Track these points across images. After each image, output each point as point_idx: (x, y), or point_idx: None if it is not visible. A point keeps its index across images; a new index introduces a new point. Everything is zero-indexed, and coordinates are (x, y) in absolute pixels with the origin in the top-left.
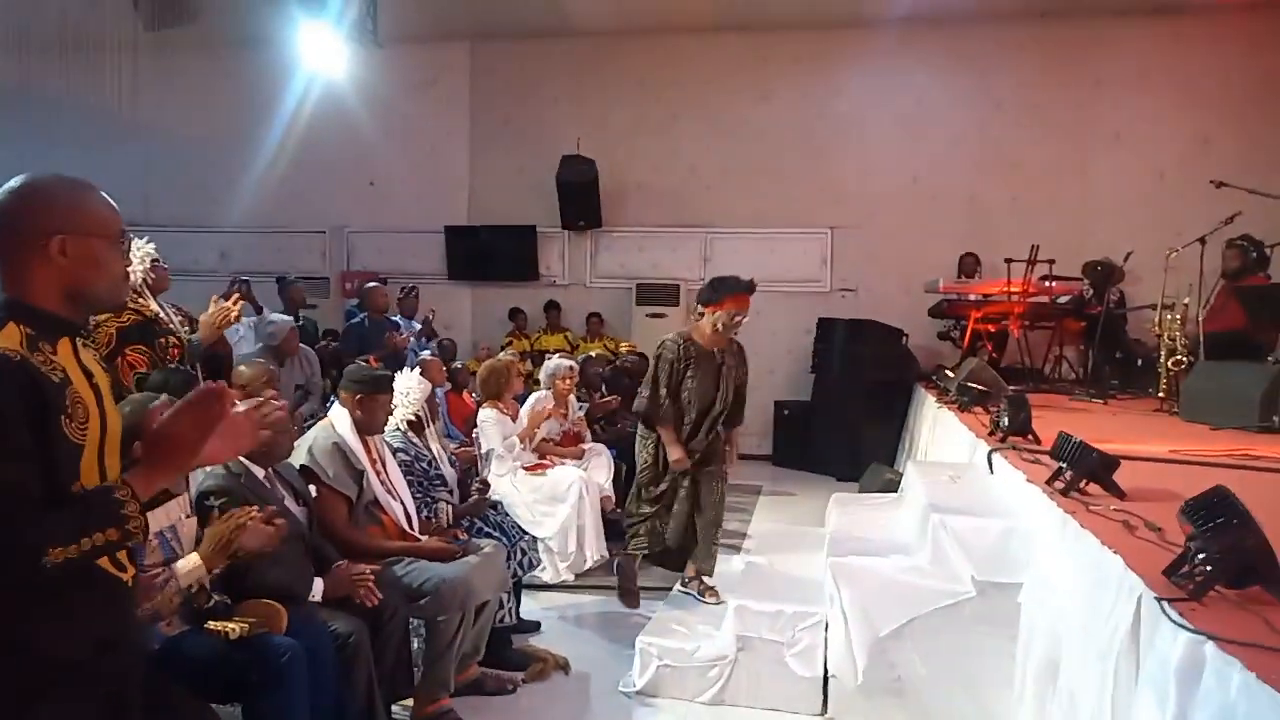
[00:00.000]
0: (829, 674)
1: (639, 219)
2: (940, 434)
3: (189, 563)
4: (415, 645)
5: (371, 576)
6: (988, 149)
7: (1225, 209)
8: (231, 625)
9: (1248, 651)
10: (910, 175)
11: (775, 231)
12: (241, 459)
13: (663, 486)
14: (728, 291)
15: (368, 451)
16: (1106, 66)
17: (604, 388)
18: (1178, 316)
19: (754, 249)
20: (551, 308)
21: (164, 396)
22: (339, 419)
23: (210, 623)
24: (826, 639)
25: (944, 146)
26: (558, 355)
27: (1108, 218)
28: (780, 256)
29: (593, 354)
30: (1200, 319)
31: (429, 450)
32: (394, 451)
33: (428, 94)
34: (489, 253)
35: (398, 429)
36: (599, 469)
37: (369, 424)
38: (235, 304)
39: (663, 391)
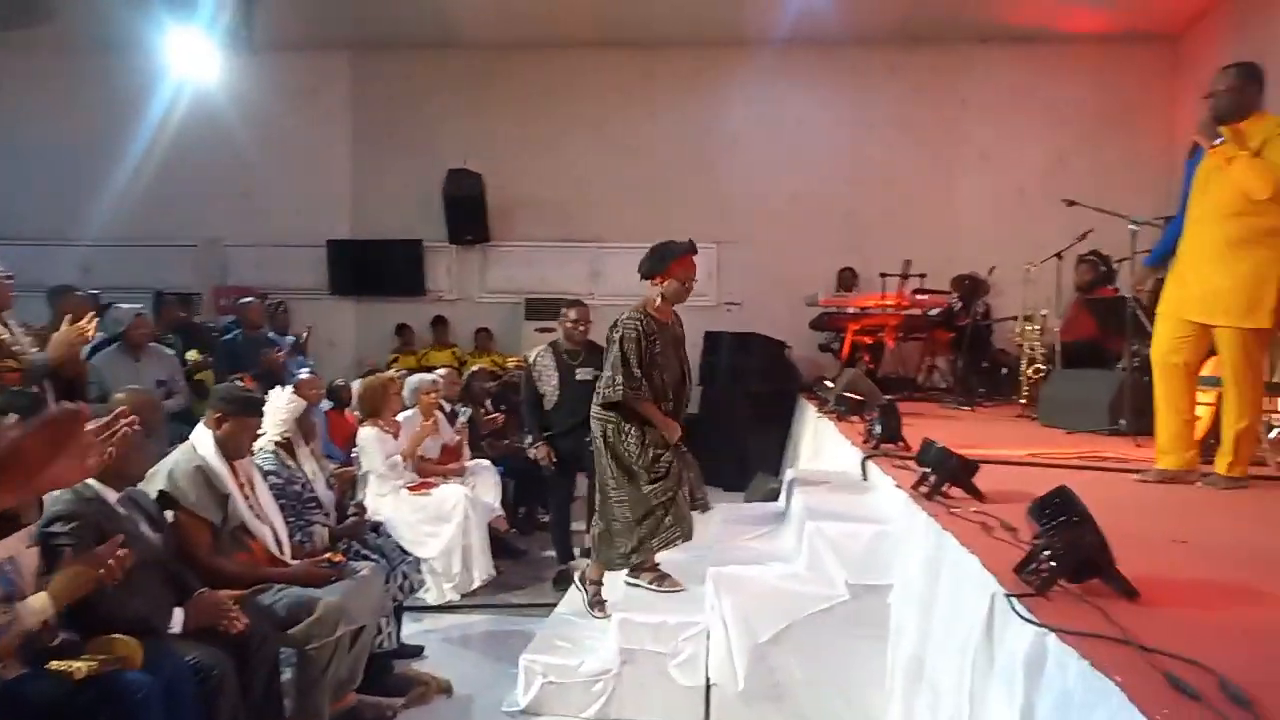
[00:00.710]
0: (710, 682)
1: (527, 233)
2: (820, 443)
3: (37, 602)
4: (286, 675)
5: (235, 605)
6: (863, 167)
7: (1080, 226)
8: (78, 664)
9: (1084, 642)
10: (791, 191)
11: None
12: (92, 482)
13: (663, 465)
14: (672, 258)
15: (234, 474)
16: (972, 89)
17: (489, 403)
18: (1037, 327)
19: None
20: (439, 323)
21: (12, 417)
22: (201, 440)
23: (53, 663)
24: (708, 648)
25: (822, 164)
26: (440, 370)
27: (974, 233)
28: None
29: (478, 368)
30: (1057, 330)
31: (303, 471)
32: (265, 473)
33: (307, 104)
34: (374, 267)
35: (268, 450)
36: (486, 487)
37: (233, 448)
38: (90, 323)
39: (637, 371)
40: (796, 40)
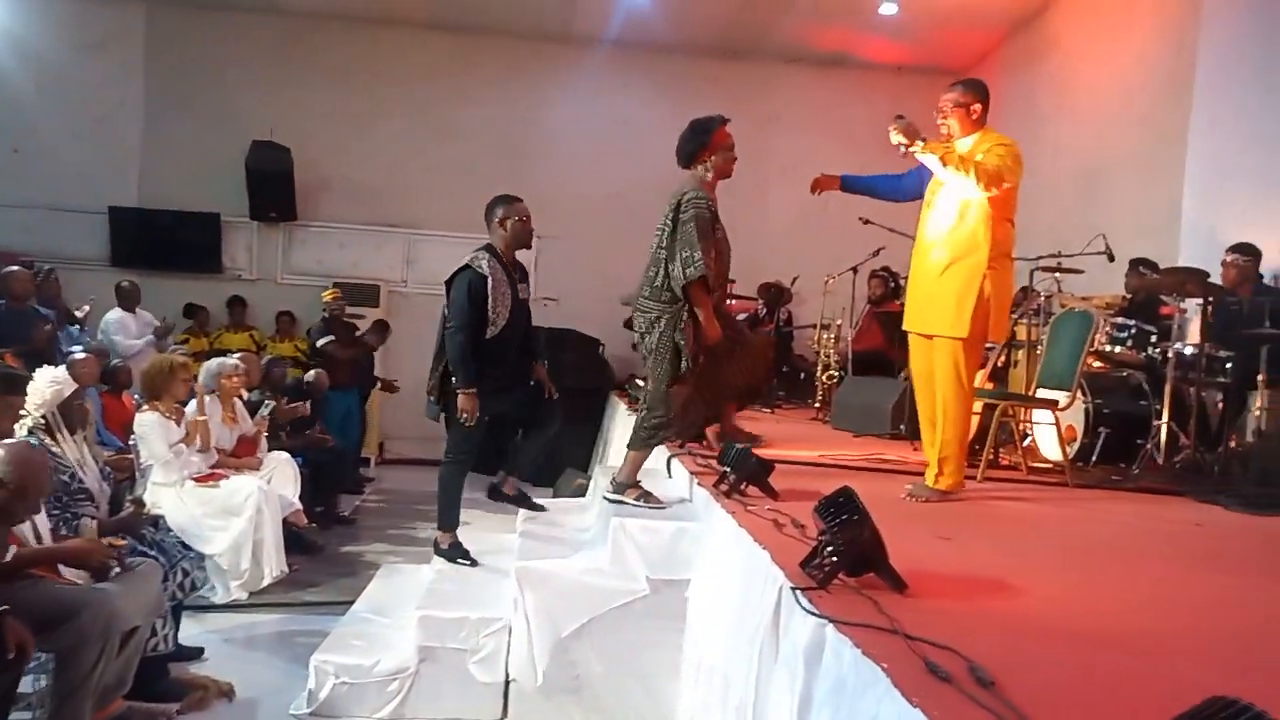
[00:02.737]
0: (510, 678)
1: (338, 214)
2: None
3: None
4: (44, 682)
5: None
6: (679, 173)
7: (875, 242)
8: None
9: (858, 631)
10: (611, 191)
11: (482, 237)
12: None
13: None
14: (713, 129)
15: None
16: (783, 106)
17: (293, 392)
18: (832, 336)
19: (459, 252)
20: (236, 304)
21: None
22: None
23: None
24: (509, 643)
25: (643, 166)
26: (237, 355)
27: (781, 243)
28: None
29: (282, 356)
30: (850, 339)
31: (69, 459)
32: None
33: (95, 56)
34: (164, 240)
35: (31, 434)
36: (284, 480)
37: None
38: None
39: (708, 256)
40: (623, 42)
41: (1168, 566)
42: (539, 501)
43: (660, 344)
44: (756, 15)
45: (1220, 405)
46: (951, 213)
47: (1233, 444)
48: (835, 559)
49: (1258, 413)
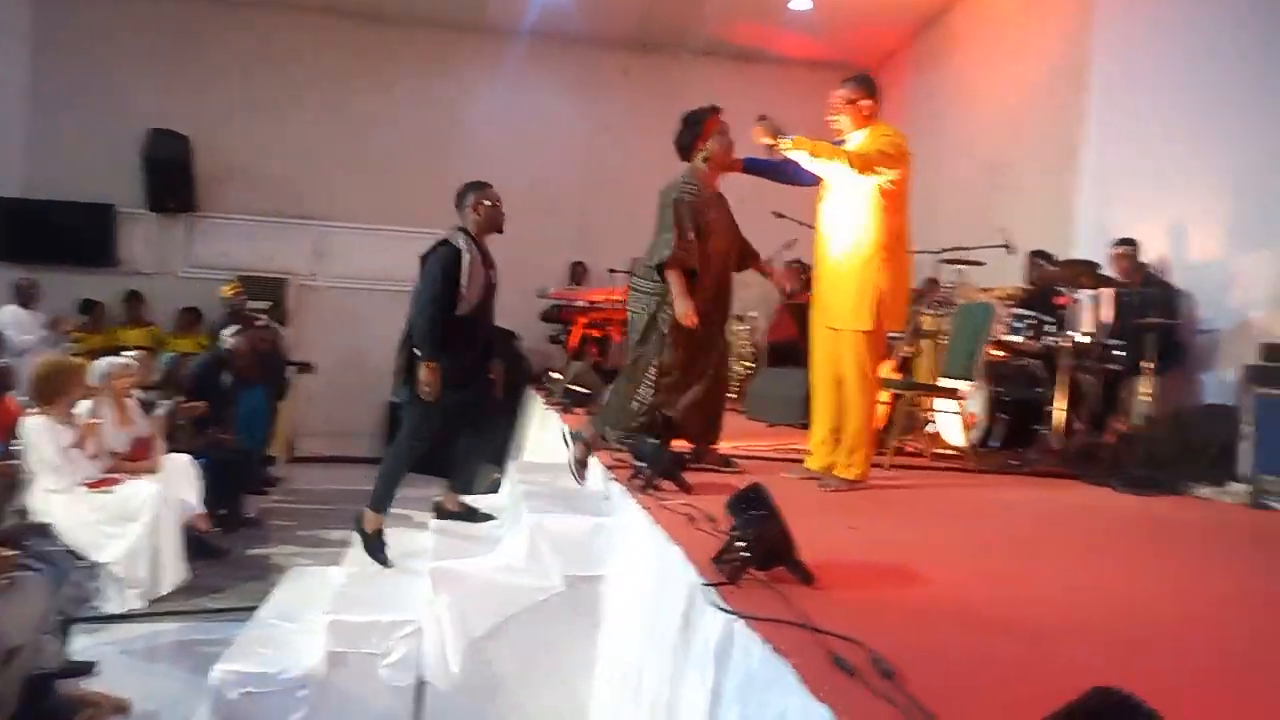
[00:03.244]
0: (423, 680)
1: (243, 206)
2: (545, 435)
3: None
4: None
5: None
6: (597, 164)
7: (789, 235)
8: None
9: (767, 627)
10: (527, 183)
11: (396, 229)
12: None
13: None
14: (704, 118)
15: None
16: (697, 99)
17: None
18: (747, 328)
19: (373, 246)
20: (133, 299)
21: None
22: None
23: None
24: (423, 645)
25: (559, 158)
26: (132, 352)
27: None
28: (400, 256)
29: (185, 353)
30: (765, 331)
31: None
32: None
33: None
34: (53, 232)
35: None
36: (184, 484)
37: None
38: None
39: (691, 235)
40: (539, 33)
41: (1061, 549)
42: (487, 511)
43: (642, 321)
44: (671, 8)
45: (1112, 391)
46: (844, 205)
47: (1123, 427)
48: (745, 554)
49: (1144, 397)
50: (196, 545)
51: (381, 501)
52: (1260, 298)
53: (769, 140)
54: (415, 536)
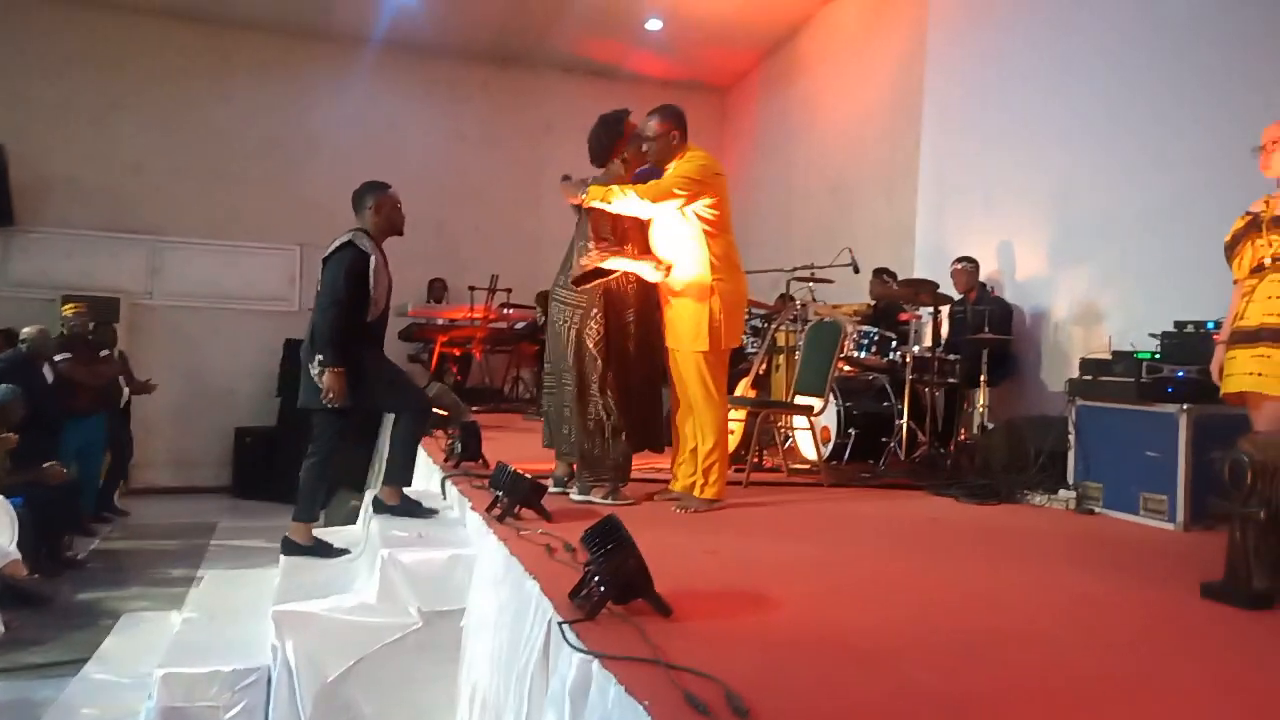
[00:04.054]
0: None
1: (66, 219)
2: None
3: None
4: None
5: None
6: (455, 179)
7: None
8: None
9: (622, 666)
10: None
11: (238, 244)
12: None
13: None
14: (624, 118)
15: None
16: (556, 114)
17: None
18: None
19: (213, 262)
20: None
21: None
22: None
23: None
24: (270, 694)
25: (415, 172)
26: None
27: (557, 251)
28: (244, 271)
29: None
30: None
31: None
32: None
33: None
34: None
35: None
36: None
37: None
38: None
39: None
40: (391, 43)
41: (906, 562)
42: (430, 507)
43: (566, 334)
44: (529, 21)
45: (952, 404)
46: (667, 234)
47: (963, 438)
48: (602, 589)
49: (981, 409)
50: (12, 595)
51: (305, 512)
52: (1079, 312)
53: (572, 200)
54: (262, 575)
